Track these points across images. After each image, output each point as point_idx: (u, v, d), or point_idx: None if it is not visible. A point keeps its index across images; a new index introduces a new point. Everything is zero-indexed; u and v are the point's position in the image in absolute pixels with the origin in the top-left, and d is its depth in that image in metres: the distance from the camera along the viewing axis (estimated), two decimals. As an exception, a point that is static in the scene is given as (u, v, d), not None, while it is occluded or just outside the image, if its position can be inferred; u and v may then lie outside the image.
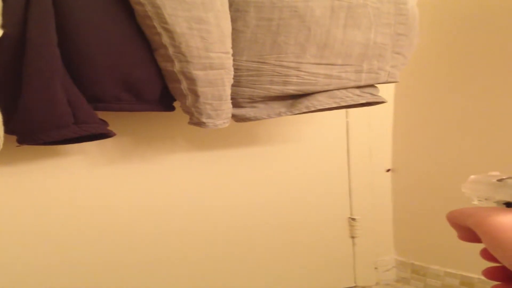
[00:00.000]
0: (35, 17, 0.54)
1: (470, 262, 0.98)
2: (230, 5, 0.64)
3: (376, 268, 1.16)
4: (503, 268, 0.26)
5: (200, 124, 0.69)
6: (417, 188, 1.10)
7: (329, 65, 0.72)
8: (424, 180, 1.09)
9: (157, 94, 0.67)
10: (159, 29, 0.59)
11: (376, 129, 1.09)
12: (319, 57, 0.71)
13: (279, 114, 0.74)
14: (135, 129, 0.84)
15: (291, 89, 0.72)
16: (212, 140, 0.92)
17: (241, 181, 0.97)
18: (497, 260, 0.24)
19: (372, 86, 0.80)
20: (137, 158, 0.86)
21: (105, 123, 0.67)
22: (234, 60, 0.67)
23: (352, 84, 0.76)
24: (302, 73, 0.71)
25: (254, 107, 0.74)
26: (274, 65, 0.69)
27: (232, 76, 0.68)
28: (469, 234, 0.27)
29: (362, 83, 0.77)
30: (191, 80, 0.63)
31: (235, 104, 0.73)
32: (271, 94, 0.72)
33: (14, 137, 0.61)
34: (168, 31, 0.59)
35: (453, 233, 0.29)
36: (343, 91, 0.76)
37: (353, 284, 1.15)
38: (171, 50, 0.61)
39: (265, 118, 0.75)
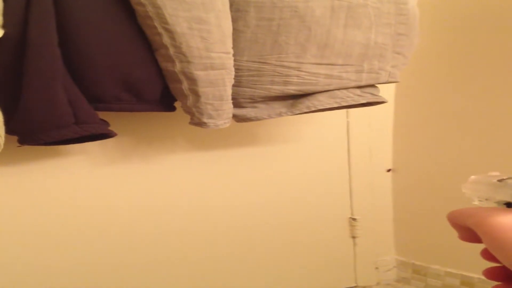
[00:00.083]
0: (35, 17, 0.54)
1: (471, 262, 0.98)
2: (231, 5, 0.64)
3: (376, 268, 1.16)
4: (504, 268, 0.26)
5: (201, 124, 0.69)
6: (418, 188, 1.10)
7: (330, 65, 0.72)
8: (424, 180, 1.09)
9: (158, 94, 0.67)
10: (160, 29, 0.59)
11: (376, 129, 1.09)
12: (320, 57, 0.71)
13: (280, 114, 0.74)
14: (135, 129, 0.84)
15: (291, 89, 0.72)
16: (213, 140, 0.92)
17: (241, 181, 0.97)
18: (498, 260, 0.25)
19: (372, 86, 0.80)
20: (138, 158, 0.86)
21: (106, 123, 0.66)
22: (234, 60, 0.67)
23: (353, 84, 0.76)
24: (303, 73, 0.71)
25: (255, 107, 0.74)
26: (274, 65, 0.69)
27: (233, 76, 0.68)
28: (469, 234, 0.27)
29: (363, 83, 0.77)
30: (192, 80, 0.63)
31: (236, 104, 0.73)
32: (271, 94, 0.72)
33: (15, 138, 0.61)
34: (169, 31, 0.59)
35: (454, 233, 0.29)
36: (344, 91, 0.76)
37: (354, 284, 1.15)
38: (172, 50, 0.61)
39: (265, 118, 0.75)
